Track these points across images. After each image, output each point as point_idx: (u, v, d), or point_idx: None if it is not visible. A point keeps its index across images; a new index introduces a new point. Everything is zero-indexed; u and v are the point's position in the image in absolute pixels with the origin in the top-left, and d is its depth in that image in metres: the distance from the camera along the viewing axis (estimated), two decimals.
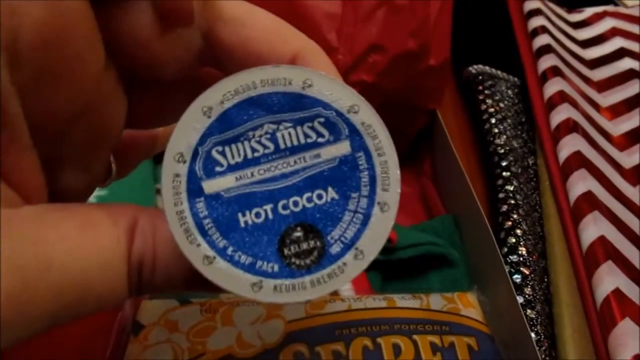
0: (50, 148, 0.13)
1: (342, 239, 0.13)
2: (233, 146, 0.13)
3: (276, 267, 0.13)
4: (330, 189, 0.13)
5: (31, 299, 0.11)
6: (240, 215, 0.13)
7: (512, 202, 0.35)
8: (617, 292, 0.30)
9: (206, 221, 0.13)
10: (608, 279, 0.30)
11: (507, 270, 0.31)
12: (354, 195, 0.13)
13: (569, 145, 0.38)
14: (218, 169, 0.13)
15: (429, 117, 0.41)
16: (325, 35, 0.36)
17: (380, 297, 0.28)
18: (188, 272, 0.13)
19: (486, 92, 0.44)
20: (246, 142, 0.13)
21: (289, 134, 0.14)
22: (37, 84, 0.12)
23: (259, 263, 0.13)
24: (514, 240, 0.33)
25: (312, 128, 0.14)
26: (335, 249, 0.13)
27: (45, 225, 0.12)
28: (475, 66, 0.47)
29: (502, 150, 0.39)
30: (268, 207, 0.13)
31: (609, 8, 0.53)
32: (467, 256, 0.34)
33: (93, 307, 0.12)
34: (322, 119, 0.14)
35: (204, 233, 0.13)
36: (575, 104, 0.41)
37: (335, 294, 0.28)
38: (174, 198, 0.13)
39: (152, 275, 0.13)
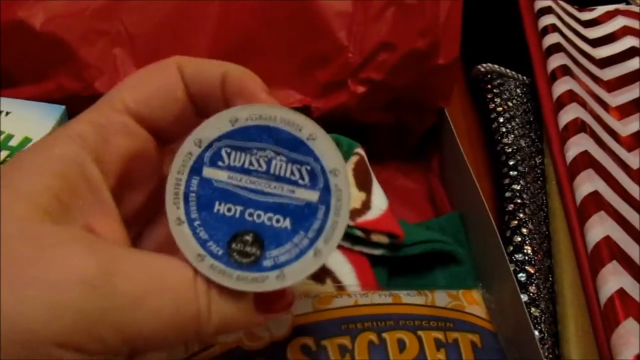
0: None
1: (276, 259, 0.16)
2: (239, 153, 0.17)
3: (220, 252, 0.16)
4: (288, 219, 0.17)
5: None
6: (217, 202, 0.17)
7: (519, 201, 0.36)
8: (621, 292, 0.30)
9: (192, 194, 0.17)
10: (612, 279, 0.30)
11: (512, 268, 0.31)
12: (301, 233, 0.17)
13: (577, 145, 0.38)
14: (220, 163, 0.17)
15: (437, 115, 0.41)
16: (335, 34, 0.36)
17: (386, 293, 0.29)
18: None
19: (495, 90, 0.44)
20: (249, 155, 0.17)
21: (281, 165, 0.17)
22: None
23: (210, 243, 0.16)
24: (519, 239, 0.33)
25: (299, 170, 0.17)
26: (267, 263, 0.16)
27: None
28: (484, 65, 0.47)
29: (510, 149, 0.39)
30: (239, 208, 0.17)
31: (621, 6, 0.53)
32: (473, 254, 0.34)
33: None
34: (309, 167, 0.17)
35: (186, 201, 0.17)
36: (584, 104, 0.41)
37: (342, 289, 0.29)
38: (180, 168, 0.17)
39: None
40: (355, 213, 0.31)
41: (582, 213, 0.34)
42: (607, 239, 0.32)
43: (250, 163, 0.17)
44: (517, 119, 0.42)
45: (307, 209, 0.17)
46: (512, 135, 0.40)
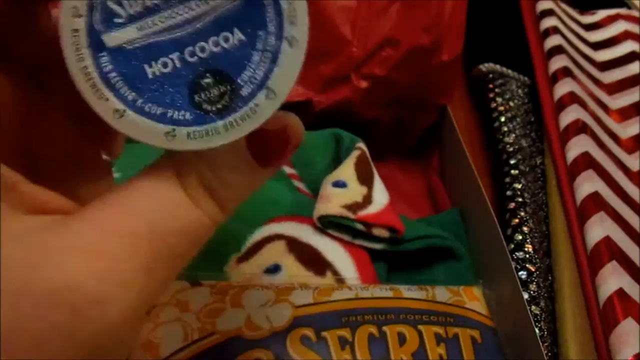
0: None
1: (252, 80, 0.13)
2: None
3: (188, 115, 0.13)
4: (236, 30, 0.13)
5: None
6: (146, 66, 0.13)
7: (520, 199, 0.36)
8: (620, 292, 0.30)
9: (112, 75, 0.13)
10: (612, 279, 0.31)
11: (513, 266, 0.31)
12: (260, 33, 0.13)
13: (577, 146, 0.38)
14: (117, 20, 0.13)
15: (439, 112, 0.41)
16: (339, 29, 0.36)
17: (386, 287, 0.29)
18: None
19: (496, 90, 0.44)
20: None
21: None
22: None
23: (171, 112, 0.13)
24: (520, 237, 0.33)
25: None
26: (245, 90, 0.13)
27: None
28: (486, 64, 0.47)
29: (511, 149, 0.39)
30: (174, 55, 0.13)
31: (622, 11, 0.53)
32: (473, 250, 0.34)
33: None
34: None
35: (111, 87, 0.13)
36: (584, 106, 0.41)
37: (342, 281, 0.29)
38: (76, 55, 0.13)
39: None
40: (356, 207, 0.31)
41: (582, 213, 0.35)
42: (607, 240, 0.32)
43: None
44: (518, 119, 0.42)
45: (248, 3, 0.13)
46: (514, 135, 0.40)
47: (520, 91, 0.45)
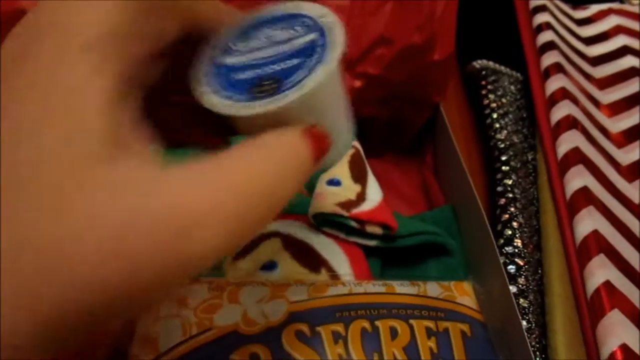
0: None
1: (292, 82, 0.18)
2: (243, 42, 0.20)
3: (243, 96, 0.19)
4: (295, 59, 0.19)
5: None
6: (233, 74, 0.19)
7: (510, 195, 0.36)
8: (607, 284, 0.31)
9: (213, 72, 0.20)
10: (599, 272, 0.31)
11: (502, 261, 0.32)
12: (309, 59, 0.19)
13: (568, 141, 0.39)
14: (230, 51, 0.20)
15: (433, 110, 0.42)
16: None
17: (379, 282, 0.30)
18: None
19: (489, 87, 0.45)
20: (252, 40, 0.20)
21: (280, 33, 0.20)
22: None
23: (232, 94, 0.19)
24: (510, 232, 0.34)
25: (294, 29, 0.20)
26: (286, 86, 0.18)
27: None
28: (479, 61, 0.48)
29: (503, 145, 0.40)
30: (254, 71, 0.19)
31: (614, 5, 0.54)
32: (464, 246, 0.35)
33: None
34: (302, 23, 0.20)
35: (207, 77, 0.20)
36: (575, 101, 0.42)
37: (336, 278, 0.30)
38: (209, 58, 0.20)
39: None
40: (350, 204, 0.32)
41: (572, 207, 0.35)
42: (595, 233, 0.33)
43: (255, 44, 0.20)
44: (510, 115, 0.43)
45: (309, 45, 0.19)
46: (506, 131, 0.41)
47: (512, 87, 0.46)
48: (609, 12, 0.53)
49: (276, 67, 0.19)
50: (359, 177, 0.34)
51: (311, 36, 0.20)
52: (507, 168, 0.38)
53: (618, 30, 0.51)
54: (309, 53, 0.19)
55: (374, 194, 0.33)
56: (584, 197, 0.35)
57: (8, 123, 0.13)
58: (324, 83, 0.18)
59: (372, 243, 0.32)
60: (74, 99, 0.14)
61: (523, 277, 0.32)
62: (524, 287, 0.32)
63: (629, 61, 0.47)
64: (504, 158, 0.39)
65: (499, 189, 0.37)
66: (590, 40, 0.50)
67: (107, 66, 0.15)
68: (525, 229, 0.35)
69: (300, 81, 0.18)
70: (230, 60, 0.20)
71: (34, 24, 0.15)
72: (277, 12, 0.21)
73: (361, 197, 0.33)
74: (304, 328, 0.26)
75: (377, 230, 0.32)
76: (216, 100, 0.19)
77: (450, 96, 0.45)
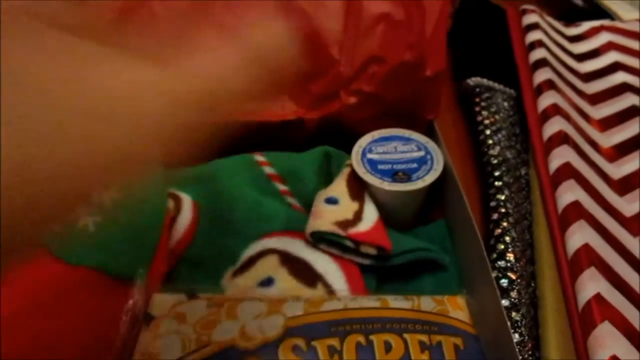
0: None
1: (416, 177, 0.35)
2: (380, 147, 0.38)
3: (388, 179, 0.35)
4: (414, 163, 0.36)
5: None
6: (378, 165, 0.36)
7: (503, 210, 0.37)
8: (598, 297, 0.31)
9: (365, 162, 0.37)
10: (590, 284, 0.32)
11: (495, 275, 0.33)
12: (423, 167, 0.36)
13: (560, 156, 0.40)
14: (374, 150, 0.38)
15: (427, 126, 0.43)
16: (327, 49, 0.38)
17: (374, 297, 0.30)
18: None
19: (482, 104, 0.46)
20: (385, 146, 0.38)
21: (402, 146, 0.38)
22: None
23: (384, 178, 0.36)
24: (502, 246, 0.35)
25: (411, 147, 0.38)
26: (414, 179, 0.35)
27: None
28: (473, 78, 0.49)
29: (496, 161, 0.41)
30: (389, 164, 0.37)
31: (606, 22, 0.55)
32: (458, 260, 0.35)
33: None
34: (415, 144, 0.38)
35: (364, 164, 0.37)
36: (567, 117, 0.43)
37: (332, 293, 0.30)
38: (354, 156, 0.37)
39: None
40: (347, 224, 0.33)
41: (564, 221, 0.36)
42: (587, 247, 0.34)
43: (386, 149, 0.38)
44: (503, 131, 0.44)
45: (421, 158, 0.37)
46: (499, 147, 0.42)
47: (506, 104, 0.47)
48: (601, 29, 0.54)
49: (404, 166, 0.36)
50: (356, 195, 0.35)
51: (422, 152, 0.37)
52: (500, 183, 0.39)
53: (609, 46, 0.52)
54: (423, 162, 0.36)
55: (370, 214, 0.34)
56: (576, 211, 0.36)
57: None
58: (433, 181, 0.35)
59: (366, 262, 0.33)
60: None
61: (515, 290, 0.33)
62: (517, 300, 0.32)
63: (620, 77, 0.48)
64: (497, 173, 0.40)
65: (492, 203, 0.38)
66: (582, 57, 0.51)
67: None
68: (518, 243, 0.36)
69: (423, 177, 0.35)
70: (371, 155, 0.37)
71: None
72: (401, 134, 0.39)
73: (358, 216, 0.33)
74: (300, 343, 0.26)
75: (372, 251, 0.32)
76: (371, 178, 0.35)
77: (444, 112, 0.46)
